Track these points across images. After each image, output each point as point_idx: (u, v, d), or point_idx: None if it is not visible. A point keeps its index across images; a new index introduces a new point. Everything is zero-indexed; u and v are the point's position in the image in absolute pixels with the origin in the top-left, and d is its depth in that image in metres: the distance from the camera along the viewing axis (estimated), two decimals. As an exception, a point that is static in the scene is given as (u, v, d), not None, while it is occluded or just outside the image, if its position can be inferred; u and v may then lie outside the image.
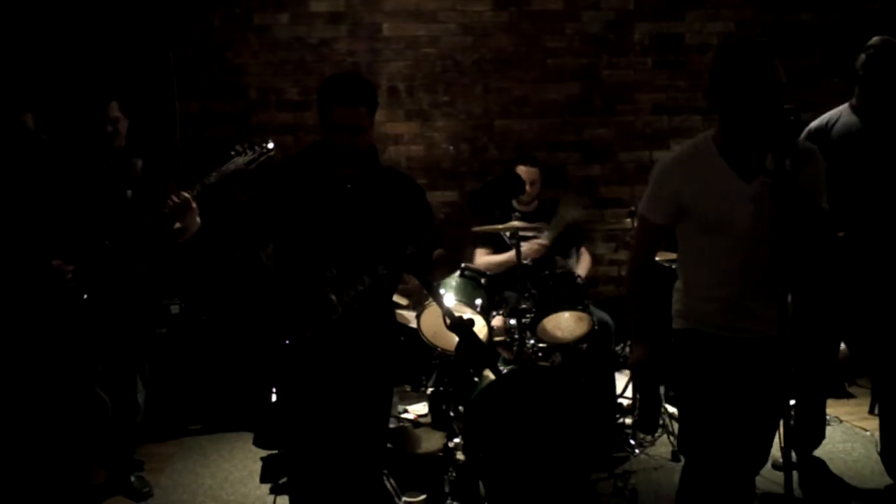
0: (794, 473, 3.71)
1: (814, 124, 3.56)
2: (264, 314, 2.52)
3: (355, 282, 2.39)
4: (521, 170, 4.45)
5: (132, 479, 3.79)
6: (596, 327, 4.00)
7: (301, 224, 2.50)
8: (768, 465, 3.38)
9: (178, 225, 3.32)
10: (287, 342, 2.45)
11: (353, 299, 2.40)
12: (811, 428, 3.74)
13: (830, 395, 3.94)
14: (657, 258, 4.09)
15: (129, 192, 3.58)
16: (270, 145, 3.47)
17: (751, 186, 2.33)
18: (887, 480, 3.59)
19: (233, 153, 3.46)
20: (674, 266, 2.62)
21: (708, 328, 2.44)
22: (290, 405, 2.58)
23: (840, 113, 3.51)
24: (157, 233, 3.42)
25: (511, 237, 4.24)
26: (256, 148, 3.48)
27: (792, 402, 4.06)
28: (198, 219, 3.46)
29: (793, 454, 3.75)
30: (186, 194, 3.31)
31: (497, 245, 4.50)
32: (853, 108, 3.48)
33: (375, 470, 2.74)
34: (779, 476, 3.07)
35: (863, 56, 3.42)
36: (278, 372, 2.58)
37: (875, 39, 3.41)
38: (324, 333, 2.42)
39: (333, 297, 2.38)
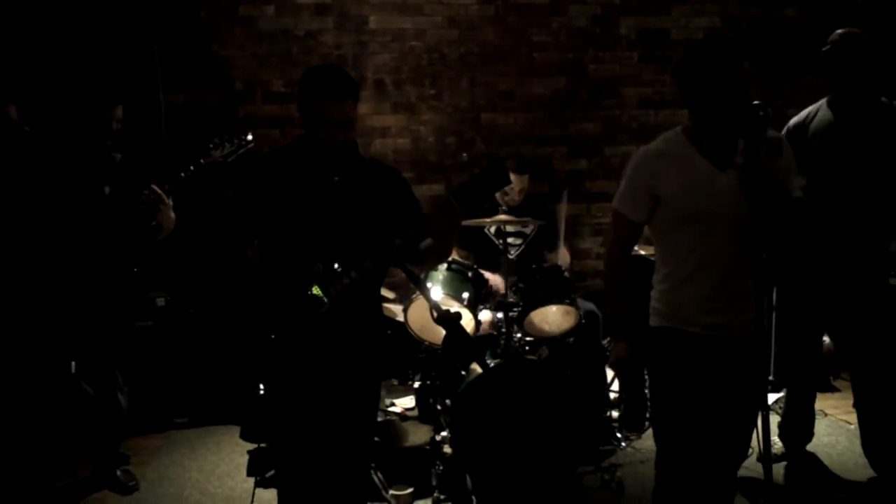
0: (784, 465, 3.75)
1: (794, 120, 3.57)
2: (251, 309, 2.51)
3: (342, 276, 2.38)
4: (510, 177, 4.42)
5: (118, 472, 3.78)
6: (583, 321, 4.02)
7: (287, 219, 2.48)
8: (753, 457, 3.40)
9: (153, 222, 3.29)
10: (273, 336, 2.45)
11: (340, 293, 2.39)
12: (801, 423, 3.76)
13: (817, 389, 3.96)
14: (643, 252, 4.13)
15: (107, 189, 3.51)
16: (249, 137, 3.43)
17: (725, 176, 2.35)
18: (871, 473, 3.63)
19: (210, 146, 3.43)
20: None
21: (686, 327, 2.42)
22: (277, 399, 2.57)
23: (818, 108, 3.52)
24: (134, 229, 3.38)
25: (496, 234, 4.25)
26: (235, 141, 3.44)
27: (778, 395, 4.10)
28: (172, 214, 3.41)
29: (782, 448, 3.79)
30: (159, 191, 3.28)
31: (473, 241, 4.47)
32: (829, 104, 3.49)
33: (363, 463, 2.74)
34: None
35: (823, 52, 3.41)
36: (266, 366, 2.57)
37: (834, 34, 3.40)
38: (311, 328, 2.41)
39: (320, 292, 2.37)
